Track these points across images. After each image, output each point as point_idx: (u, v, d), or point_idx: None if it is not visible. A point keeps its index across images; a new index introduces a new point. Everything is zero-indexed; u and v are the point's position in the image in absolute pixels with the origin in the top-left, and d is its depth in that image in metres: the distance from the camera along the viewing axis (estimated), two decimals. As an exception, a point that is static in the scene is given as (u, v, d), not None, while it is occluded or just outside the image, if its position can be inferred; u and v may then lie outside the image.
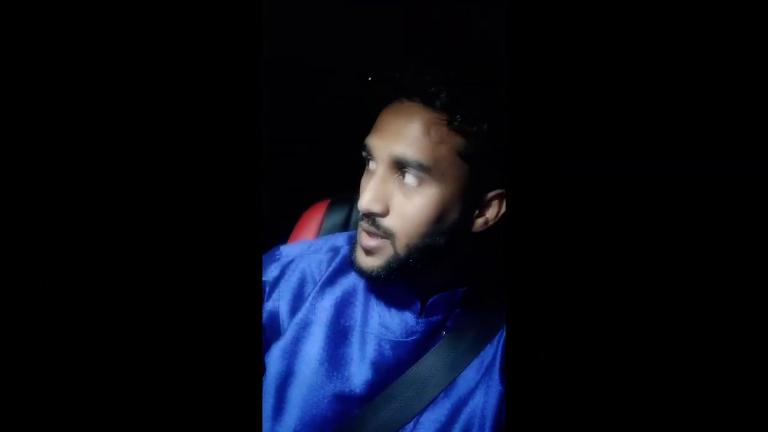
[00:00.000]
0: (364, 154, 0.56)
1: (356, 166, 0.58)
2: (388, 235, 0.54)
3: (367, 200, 0.53)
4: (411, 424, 0.58)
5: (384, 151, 0.53)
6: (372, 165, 0.55)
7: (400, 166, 0.53)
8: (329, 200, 0.83)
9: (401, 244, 0.54)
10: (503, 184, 0.56)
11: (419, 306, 0.60)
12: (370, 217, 0.54)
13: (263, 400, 0.61)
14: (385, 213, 0.54)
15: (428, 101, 0.52)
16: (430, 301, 0.60)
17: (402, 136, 0.53)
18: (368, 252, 0.56)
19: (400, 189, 0.54)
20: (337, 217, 0.81)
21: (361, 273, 0.57)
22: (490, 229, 0.58)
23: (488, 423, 0.58)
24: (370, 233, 0.55)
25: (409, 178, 0.53)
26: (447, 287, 0.60)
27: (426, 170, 0.52)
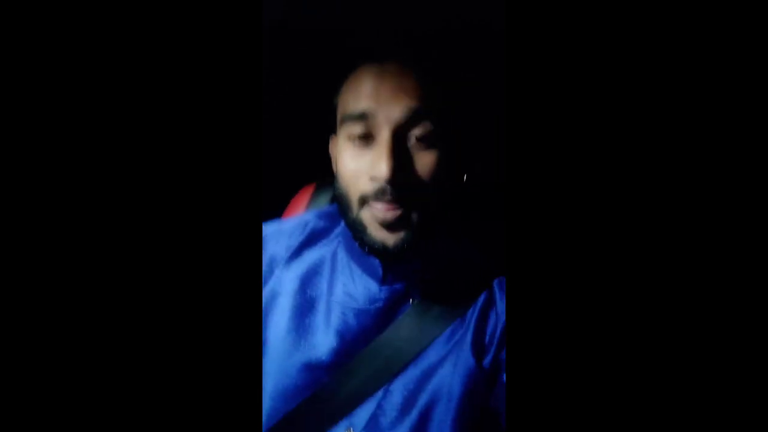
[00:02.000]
0: (354, 125, 0.52)
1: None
2: (409, 203, 0.51)
3: (392, 168, 0.49)
4: (380, 392, 0.59)
5: (390, 112, 0.50)
6: (356, 131, 0.52)
7: (409, 127, 0.51)
8: (315, 184, 0.85)
9: (422, 209, 0.52)
10: (492, 146, 0.55)
11: (382, 274, 0.61)
12: (394, 186, 0.50)
13: None
14: (407, 179, 0.51)
15: (411, 61, 0.52)
16: (392, 268, 0.60)
17: (407, 94, 0.50)
18: (390, 227, 0.52)
19: (411, 151, 0.52)
20: (322, 199, 0.83)
21: (385, 251, 0.53)
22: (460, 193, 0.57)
23: (455, 394, 0.57)
24: (390, 204, 0.51)
25: (421, 137, 0.51)
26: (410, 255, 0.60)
27: (437, 125, 0.51)
